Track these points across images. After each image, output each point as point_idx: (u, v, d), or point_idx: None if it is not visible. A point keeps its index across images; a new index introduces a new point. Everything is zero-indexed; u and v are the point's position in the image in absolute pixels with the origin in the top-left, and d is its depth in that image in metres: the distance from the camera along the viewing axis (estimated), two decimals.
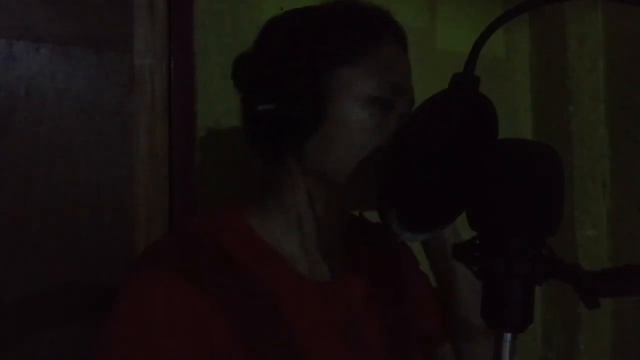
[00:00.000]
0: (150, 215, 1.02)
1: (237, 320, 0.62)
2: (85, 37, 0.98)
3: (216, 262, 0.64)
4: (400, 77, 0.69)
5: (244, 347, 0.61)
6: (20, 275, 0.92)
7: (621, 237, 1.34)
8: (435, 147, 0.56)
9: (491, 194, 0.47)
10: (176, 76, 1.04)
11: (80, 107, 0.97)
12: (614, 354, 1.34)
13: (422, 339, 0.83)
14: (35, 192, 0.94)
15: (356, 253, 0.78)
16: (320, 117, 0.65)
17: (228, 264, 0.65)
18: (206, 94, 1.06)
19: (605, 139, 1.37)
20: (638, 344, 1.29)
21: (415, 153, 0.56)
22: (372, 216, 0.70)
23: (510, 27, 1.43)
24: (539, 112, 1.45)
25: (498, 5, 1.30)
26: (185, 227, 0.76)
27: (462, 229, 0.73)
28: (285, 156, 0.69)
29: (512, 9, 0.49)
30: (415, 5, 1.31)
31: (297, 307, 0.67)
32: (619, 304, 1.33)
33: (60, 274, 0.94)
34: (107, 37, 1.00)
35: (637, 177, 1.31)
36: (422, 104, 0.58)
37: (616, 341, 1.34)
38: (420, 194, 0.57)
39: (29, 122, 0.94)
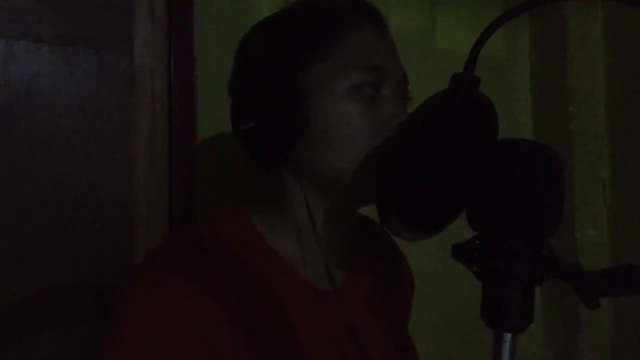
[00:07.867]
0: (150, 215, 1.02)
1: (241, 324, 0.61)
2: (85, 37, 0.98)
3: (220, 265, 0.63)
4: (377, 58, 0.66)
5: (247, 352, 0.61)
6: (20, 275, 0.92)
7: (621, 237, 1.34)
8: (435, 148, 0.56)
9: (491, 194, 0.47)
10: (176, 76, 1.04)
11: (80, 107, 0.97)
12: (614, 354, 1.34)
13: None
14: (35, 192, 0.94)
15: (361, 257, 0.77)
16: (301, 123, 0.64)
17: (232, 267, 0.64)
18: (206, 94, 1.06)
19: (605, 139, 1.37)
20: (638, 344, 1.29)
21: (415, 153, 0.56)
22: (372, 214, 0.69)
23: (510, 27, 1.42)
24: (539, 112, 1.44)
25: (498, 5, 1.30)
26: (188, 230, 0.75)
27: (462, 229, 0.72)
28: (278, 167, 0.69)
29: (512, 8, 0.49)
30: (415, 5, 1.30)
31: (297, 314, 0.66)
32: (619, 304, 1.33)
33: (60, 274, 0.94)
34: (107, 37, 1.00)
35: (637, 177, 1.30)
36: (422, 104, 0.58)
37: (616, 341, 1.34)
38: (420, 194, 0.57)
39: (29, 122, 0.94)
